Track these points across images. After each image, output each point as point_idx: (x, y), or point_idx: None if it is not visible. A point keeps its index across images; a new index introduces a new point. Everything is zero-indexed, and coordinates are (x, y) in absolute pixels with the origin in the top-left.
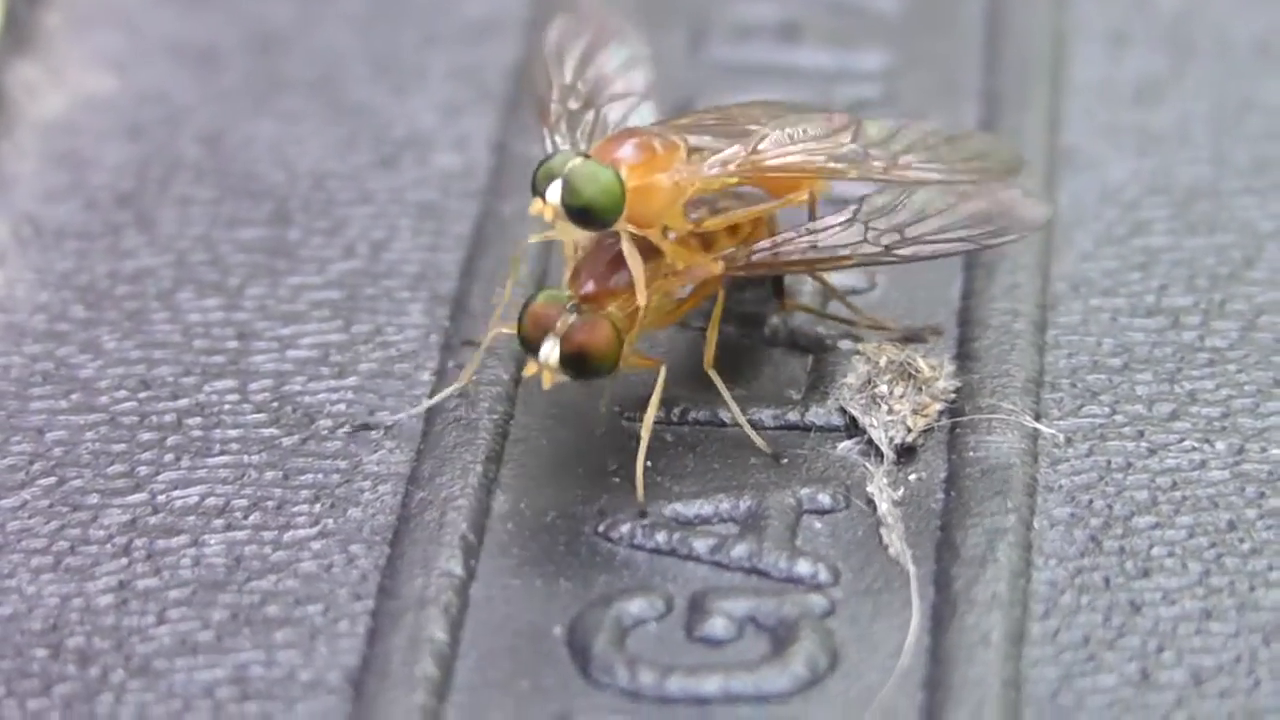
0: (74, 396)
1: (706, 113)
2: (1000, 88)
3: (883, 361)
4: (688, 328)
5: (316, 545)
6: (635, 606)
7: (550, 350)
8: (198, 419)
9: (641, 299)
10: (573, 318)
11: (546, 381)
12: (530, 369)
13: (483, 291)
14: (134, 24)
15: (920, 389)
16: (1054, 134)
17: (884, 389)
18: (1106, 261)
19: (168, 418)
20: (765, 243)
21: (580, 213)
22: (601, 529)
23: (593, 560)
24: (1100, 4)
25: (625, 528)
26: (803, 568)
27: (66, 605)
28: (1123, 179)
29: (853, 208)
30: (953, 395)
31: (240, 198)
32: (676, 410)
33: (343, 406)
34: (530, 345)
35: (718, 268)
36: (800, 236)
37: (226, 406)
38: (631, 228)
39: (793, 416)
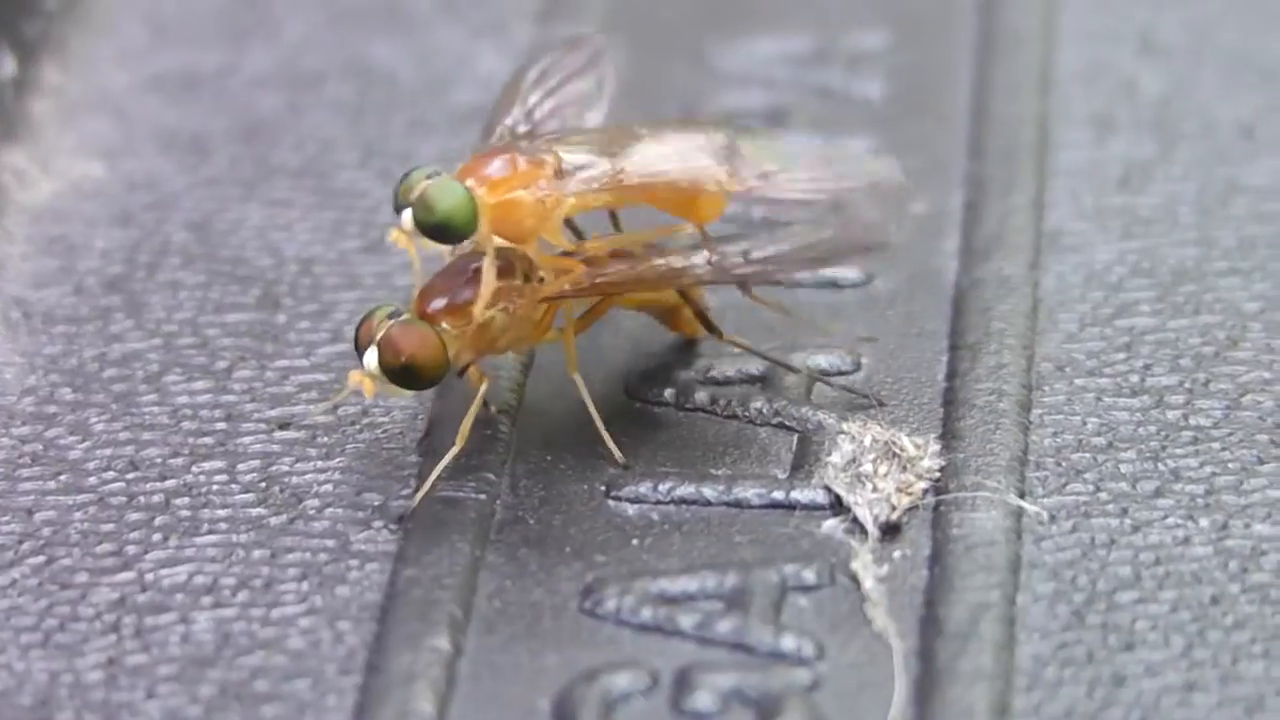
0: (63, 477)
1: (591, 132)
2: (985, 172)
3: (867, 440)
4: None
5: (304, 622)
6: (621, 681)
7: (370, 356)
8: (186, 499)
9: (478, 313)
10: (393, 324)
11: (368, 390)
12: (354, 377)
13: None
14: (122, 112)
15: (905, 467)
16: (1039, 217)
17: (869, 467)
18: (1091, 342)
19: (156, 498)
20: (620, 264)
21: (434, 230)
22: (587, 605)
23: (579, 636)
24: (1085, 89)
25: (611, 604)
26: (788, 643)
27: (56, 681)
28: (1108, 261)
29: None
30: (937, 474)
31: (228, 282)
32: (663, 487)
33: (330, 487)
34: (359, 354)
35: (579, 269)
36: (654, 257)
37: (215, 487)
38: (503, 242)
39: (778, 495)
